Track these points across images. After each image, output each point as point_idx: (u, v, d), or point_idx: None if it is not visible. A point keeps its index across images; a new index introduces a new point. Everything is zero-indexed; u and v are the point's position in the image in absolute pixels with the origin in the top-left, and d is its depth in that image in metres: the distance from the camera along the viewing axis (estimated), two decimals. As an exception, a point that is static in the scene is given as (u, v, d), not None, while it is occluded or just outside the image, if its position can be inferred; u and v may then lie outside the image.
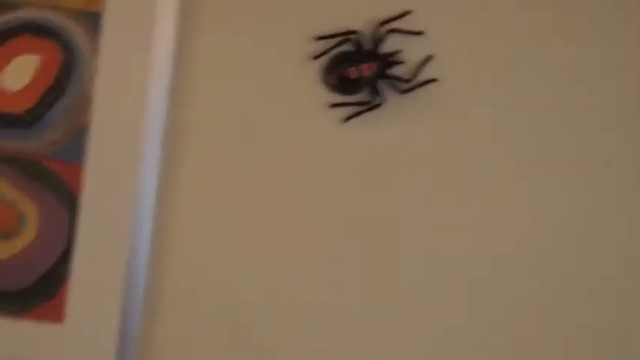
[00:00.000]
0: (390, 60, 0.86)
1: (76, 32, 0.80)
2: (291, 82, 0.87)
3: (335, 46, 0.86)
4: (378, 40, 0.86)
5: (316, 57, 0.86)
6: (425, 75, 0.88)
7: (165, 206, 0.84)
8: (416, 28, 0.87)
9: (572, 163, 0.93)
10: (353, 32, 0.86)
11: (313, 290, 0.88)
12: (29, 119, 0.79)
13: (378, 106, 0.87)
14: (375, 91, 0.86)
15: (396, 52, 0.86)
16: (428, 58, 0.88)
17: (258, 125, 0.87)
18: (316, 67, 0.87)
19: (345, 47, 0.86)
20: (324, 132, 0.88)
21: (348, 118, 0.87)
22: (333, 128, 0.88)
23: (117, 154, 0.80)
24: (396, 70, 0.87)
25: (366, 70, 0.85)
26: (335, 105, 0.87)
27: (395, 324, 0.90)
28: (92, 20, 0.80)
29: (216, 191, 0.86)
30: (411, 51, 0.88)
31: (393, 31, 0.86)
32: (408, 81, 0.86)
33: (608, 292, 0.94)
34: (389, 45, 0.87)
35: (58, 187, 0.80)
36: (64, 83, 0.79)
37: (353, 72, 0.85)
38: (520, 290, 0.92)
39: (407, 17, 0.87)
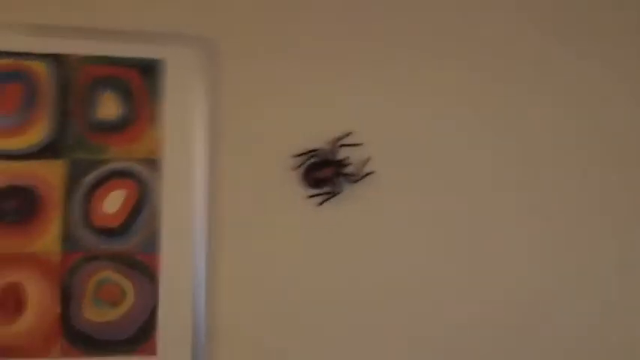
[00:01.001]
0: (343, 163, 1.35)
1: (145, 172, 1.28)
2: (282, 184, 1.36)
3: (307, 160, 1.35)
4: (334, 152, 1.35)
5: (296, 168, 1.35)
6: (365, 170, 1.37)
7: (213, 279, 1.32)
8: (357, 141, 1.37)
9: (490, 240, 1.43)
10: (317, 149, 1.35)
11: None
12: (122, 230, 1.27)
13: (338, 193, 1.35)
14: (336, 184, 1.35)
15: (346, 158, 1.35)
16: (366, 160, 1.37)
17: (265, 212, 1.35)
18: (297, 174, 1.36)
19: (313, 159, 1.35)
20: (307, 213, 1.36)
21: (321, 203, 1.35)
22: (312, 210, 1.36)
23: (178, 246, 1.28)
24: (348, 169, 1.36)
25: (328, 172, 1.34)
26: (311, 196, 1.35)
27: None
28: (154, 164, 1.28)
29: (244, 266, 1.34)
30: (355, 155, 1.38)
31: (342, 145, 1.36)
32: (355, 175, 1.35)
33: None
34: (341, 153, 1.37)
35: (144, 270, 1.27)
36: (142, 206, 1.28)
37: (320, 174, 1.34)
38: None
39: (351, 135, 1.37)
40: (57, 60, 1.26)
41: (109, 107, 1.28)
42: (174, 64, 1.30)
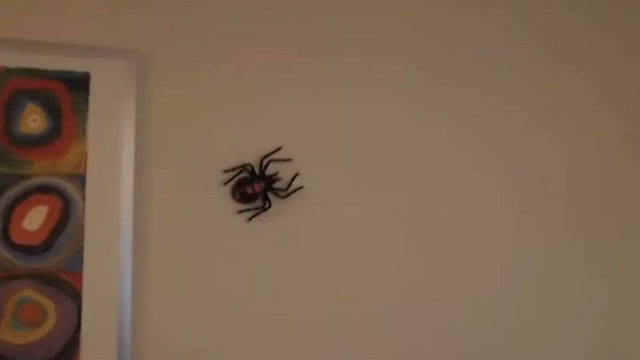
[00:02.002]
0: (272, 179, 1.35)
1: (70, 188, 1.25)
2: (211, 200, 1.35)
3: (236, 175, 1.35)
4: (263, 167, 1.36)
5: (225, 183, 1.35)
6: (294, 185, 1.38)
7: (140, 297, 1.28)
8: (286, 157, 1.39)
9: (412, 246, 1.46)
10: (247, 164, 1.35)
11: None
12: (44, 247, 1.23)
13: (268, 208, 1.36)
14: (266, 199, 1.35)
15: (275, 174, 1.36)
16: (295, 175, 1.38)
17: (193, 227, 1.33)
18: (226, 190, 1.36)
19: (242, 174, 1.36)
20: (237, 228, 1.36)
21: (250, 218, 1.35)
22: (242, 225, 1.36)
23: (104, 264, 1.25)
24: (277, 184, 1.37)
25: (258, 187, 1.34)
26: (241, 211, 1.35)
27: None
28: (79, 179, 1.26)
29: (172, 283, 1.31)
30: (285, 170, 1.39)
31: (271, 160, 1.37)
32: (285, 190, 1.36)
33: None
34: (271, 169, 1.38)
35: (67, 289, 1.23)
36: (65, 222, 1.24)
37: (250, 190, 1.34)
38: None
39: (280, 151, 1.38)
40: (-22, 72, 1.22)
41: (33, 120, 1.25)
42: (101, 77, 1.28)
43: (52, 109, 1.26)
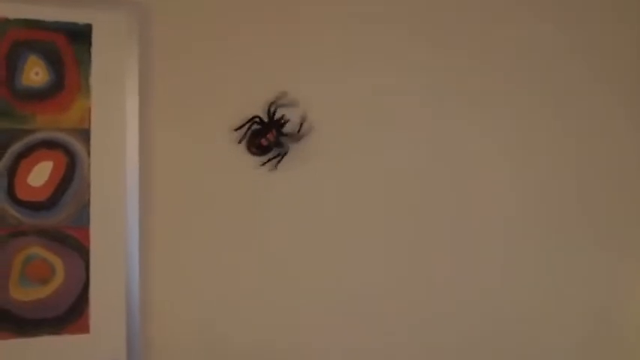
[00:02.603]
0: (281, 122, 1.31)
1: (75, 143, 1.22)
2: (218, 151, 1.32)
3: (247, 129, 1.31)
4: (271, 114, 1.32)
5: (239, 141, 1.31)
6: (305, 127, 1.35)
7: (146, 253, 1.26)
8: (291, 101, 1.35)
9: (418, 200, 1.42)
10: (255, 117, 1.32)
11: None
12: (50, 203, 1.20)
13: (285, 154, 1.32)
14: (281, 146, 1.32)
15: (282, 116, 1.32)
16: (303, 119, 1.34)
17: (202, 182, 1.30)
18: (232, 141, 1.32)
19: (253, 127, 1.32)
20: (245, 180, 1.33)
21: (276, 164, 1.33)
22: (265, 175, 1.33)
23: (110, 219, 1.23)
24: (287, 128, 1.33)
25: (271, 137, 1.31)
26: (263, 164, 1.32)
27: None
28: (84, 134, 1.23)
29: (180, 240, 1.29)
30: (293, 115, 1.35)
31: (278, 106, 1.32)
32: (297, 134, 1.33)
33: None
34: (279, 114, 1.34)
35: (74, 245, 1.21)
36: (71, 177, 1.22)
37: (264, 141, 1.30)
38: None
39: (286, 96, 1.34)
40: (-23, 23, 1.19)
41: (35, 74, 1.21)
42: (103, 29, 1.24)
43: (55, 62, 1.22)
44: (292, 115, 1.35)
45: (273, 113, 1.32)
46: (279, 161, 1.33)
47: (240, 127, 1.31)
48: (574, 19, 1.58)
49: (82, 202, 1.22)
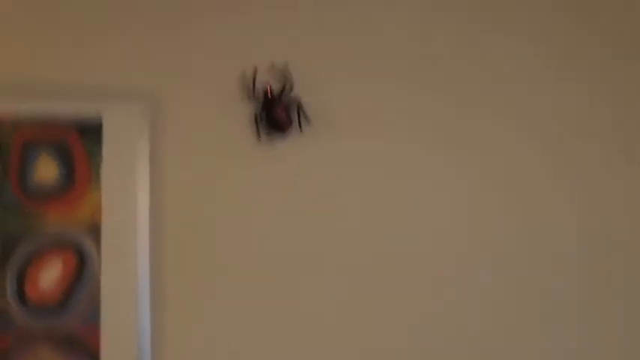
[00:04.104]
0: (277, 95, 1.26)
1: (85, 240, 1.18)
2: (229, 246, 1.25)
3: (258, 123, 1.26)
4: (267, 92, 1.25)
5: (259, 137, 1.26)
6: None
7: (159, 347, 1.19)
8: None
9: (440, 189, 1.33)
10: (256, 115, 1.26)
11: None
12: (60, 304, 1.16)
13: (301, 110, 1.28)
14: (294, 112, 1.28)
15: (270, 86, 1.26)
16: (299, 106, 1.28)
17: (211, 276, 1.23)
18: (253, 246, 1.25)
19: (262, 114, 1.26)
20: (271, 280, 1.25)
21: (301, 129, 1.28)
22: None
23: (121, 318, 1.17)
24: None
25: (280, 110, 1.25)
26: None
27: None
28: (94, 230, 1.18)
29: (192, 337, 1.22)
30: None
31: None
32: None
33: None
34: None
35: (84, 348, 1.16)
36: (81, 276, 1.17)
37: (280, 114, 1.25)
38: None
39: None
40: (-11, 123, 1.18)
41: (45, 170, 1.19)
42: (113, 122, 1.21)
43: (65, 158, 1.20)
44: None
45: (266, 93, 1.26)
46: (300, 118, 1.27)
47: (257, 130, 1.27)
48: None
49: (92, 302, 1.17)
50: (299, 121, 1.28)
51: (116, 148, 1.21)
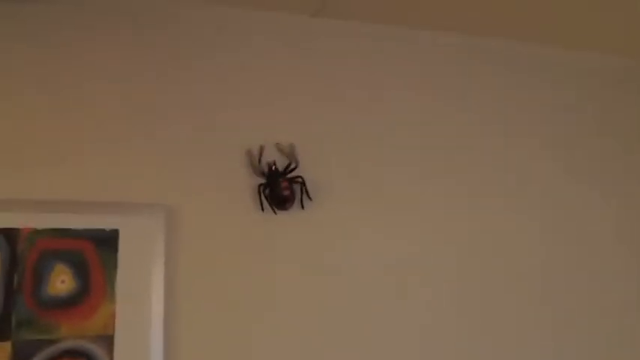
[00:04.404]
0: (283, 170, 1.37)
1: (98, 351, 1.21)
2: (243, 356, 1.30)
3: (262, 196, 1.36)
4: (271, 168, 1.37)
5: (262, 209, 1.36)
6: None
7: None
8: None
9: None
10: (261, 185, 1.36)
11: None
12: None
13: (304, 184, 1.39)
14: (295, 187, 1.39)
15: (274, 162, 1.37)
16: (301, 181, 1.40)
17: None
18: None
19: (266, 191, 1.35)
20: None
21: (302, 205, 1.39)
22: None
23: None
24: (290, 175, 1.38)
25: (285, 184, 1.36)
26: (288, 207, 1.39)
27: None
28: (107, 341, 1.21)
29: None
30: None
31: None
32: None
33: None
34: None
35: None
36: (94, 387, 1.19)
37: (285, 191, 1.35)
38: None
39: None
40: (7, 234, 1.20)
41: (61, 282, 1.22)
42: (129, 233, 1.27)
43: (81, 269, 1.23)
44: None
45: (270, 167, 1.36)
46: (302, 195, 1.38)
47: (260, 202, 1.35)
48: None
49: (104, 413, 1.19)
50: (301, 198, 1.38)
51: (131, 259, 1.26)
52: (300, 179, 1.38)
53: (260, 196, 1.35)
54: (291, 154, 1.39)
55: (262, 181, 1.36)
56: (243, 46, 1.43)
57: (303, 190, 1.38)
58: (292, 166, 1.38)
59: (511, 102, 1.63)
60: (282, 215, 1.38)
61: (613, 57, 1.74)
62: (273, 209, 1.36)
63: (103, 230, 1.26)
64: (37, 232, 1.22)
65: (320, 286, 1.37)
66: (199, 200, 1.34)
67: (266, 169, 1.36)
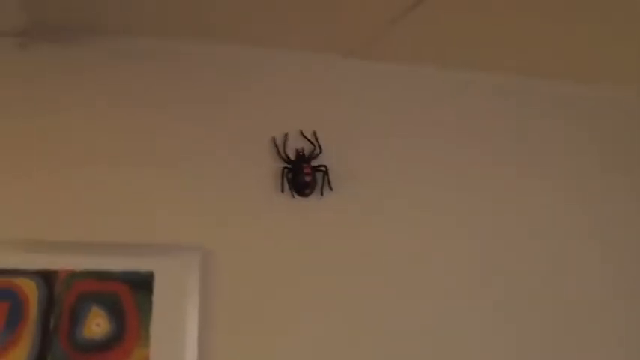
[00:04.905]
0: (308, 156, 1.39)
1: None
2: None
3: (284, 179, 1.36)
4: (297, 154, 1.38)
5: (282, 190, 1.36)
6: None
7: None
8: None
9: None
10: (284, 167, 1.36)
11: None
12: None
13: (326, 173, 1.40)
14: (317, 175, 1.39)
15: (302, 149, 1.38)
16: (325, 171, 1.40)
17: None
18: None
19: (288, 173, 1.37)
20: None
21: (321, 192, 1.39)
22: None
23: None
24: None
25: (308, 169, 1.37)
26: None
27: None
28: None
29: None
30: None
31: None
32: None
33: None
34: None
35: None
36: None
37: (307, 178, 1.36)
38: None
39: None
40: (45, 276, 1.21)
41: (96, 325, 1.21)
42: (165, 276, 1.25)
43: (116, 312, 1.22)
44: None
45: (298, 153, 1.38)
46: (323, 184, 1.39)
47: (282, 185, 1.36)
48: None
49: None
50: (322, 186, 1.38)
51: (166, 301, 1.24)
52: (323, 168, 1.39)
53: (282, 179, 1.36)
54: (314, 141, 1.40)
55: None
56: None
57: (325, 180, 1.38)
58: (316, 152, 1.39)
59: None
60: (322, 252, 1.35)
61: (626, 90, 1.65)
62: (292, 193, 1.37)
63: (139, 272, 1.24)
64: (74, 274, 1.22)
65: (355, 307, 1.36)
66: (234, 242, 1.31)
67: (293, 155, 1.37)
